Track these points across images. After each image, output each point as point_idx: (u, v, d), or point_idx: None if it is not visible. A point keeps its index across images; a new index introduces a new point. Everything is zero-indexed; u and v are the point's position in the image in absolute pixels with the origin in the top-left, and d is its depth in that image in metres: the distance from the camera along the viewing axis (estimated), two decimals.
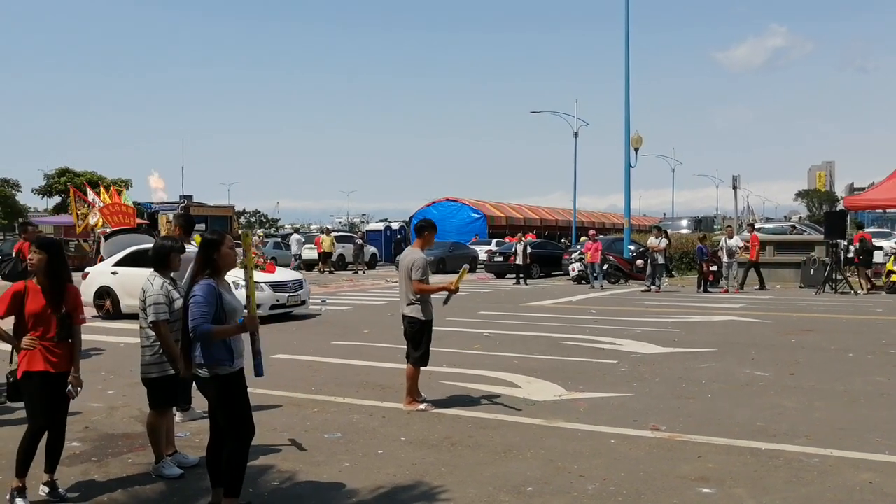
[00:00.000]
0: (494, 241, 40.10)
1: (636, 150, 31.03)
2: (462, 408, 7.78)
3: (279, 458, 6.17)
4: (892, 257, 21.85)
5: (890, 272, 21.47)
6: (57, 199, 52.30)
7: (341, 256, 36.35)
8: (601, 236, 29.05)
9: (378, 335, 13.12)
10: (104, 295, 16.02)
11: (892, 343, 11.79)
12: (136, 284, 14.66)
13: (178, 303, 5.66)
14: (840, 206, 49.29)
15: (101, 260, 17.94)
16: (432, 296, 7.83)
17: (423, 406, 7.72)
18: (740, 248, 22.63)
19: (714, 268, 22.74)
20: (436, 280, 8.63)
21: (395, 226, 44.82)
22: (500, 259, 30.64)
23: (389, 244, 42.26)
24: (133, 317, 14.17)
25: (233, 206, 59.63)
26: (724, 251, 22.36)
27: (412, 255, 7.80)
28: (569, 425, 7.06)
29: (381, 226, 47.08)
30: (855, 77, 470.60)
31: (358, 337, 13.09)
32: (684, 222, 48.64)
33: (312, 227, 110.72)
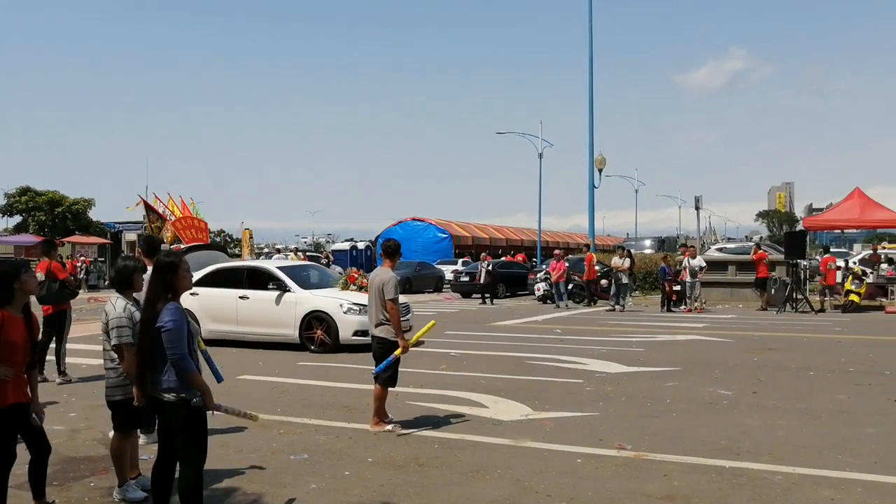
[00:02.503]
0: (461, 260, 40.20)
1: (600, 171, 31.38)
2: (429, 428, 7.77)
3: (245, 479, 6.12)
4: (850, 277, 22.25)
5: (848, 291, 21.87)
6: (18, 219, 51.44)
7: None
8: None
9: (345, 356, 13.07)
10: None
11: (852, 361, 12.00)
12: (220, 307, 14.44)
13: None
14: (800, 227, 50.15)
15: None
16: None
17: (389, 427, 7.70)
18: (703, 267, 22.92)
19: (677, 287, 23.01)
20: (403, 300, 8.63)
21: (360, 245, 44.72)
22: (466, 279, 30.71)
23: (355, 264, 42.12)
24: (218, 342, 13.99)
25: None
26: (687, 271, 22.62)
27: (383, 274, 7.82)
28: (536, 445, 7.09)
29: (346, 245, 46.95)
30: (812, 100, 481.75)
31: (324, 358, 13.02)
32: (647, 242, 49.05)
33: (278, 246, 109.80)
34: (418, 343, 7.93)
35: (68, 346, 11.05)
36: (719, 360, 12.26)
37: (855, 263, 26.33)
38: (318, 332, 13.68)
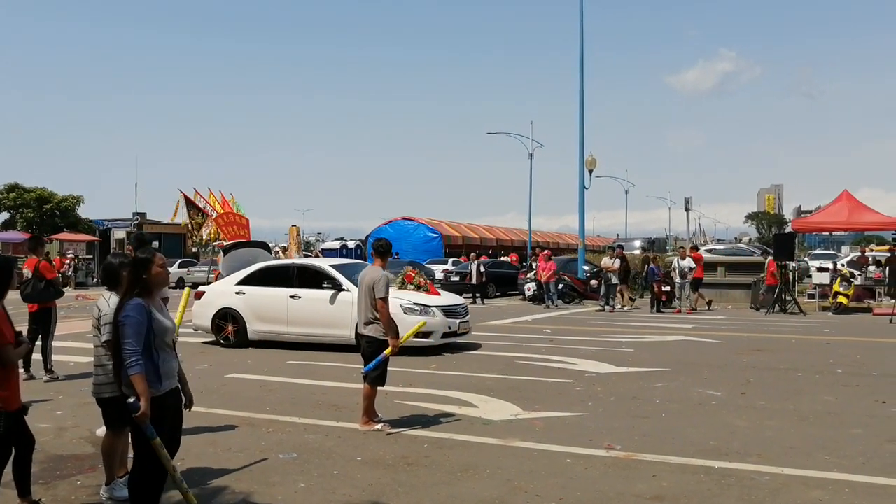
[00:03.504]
0: (451, 260, 40.15)
1: (590, 171, 31.39)
2: (418, 428, 7.76)
3: (233, 478, 6.09)
4: (838, 279, 22.36)
5: (836, 293, 21.97)
6: (6, 216, 51.13)
7: None
8: (556, 257, 29.35)
9: (334, 354, 13.03)
10: (226, 318, 14.21)
11: (839, 363, 12.04)
12: (267, 307, 13.90)
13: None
14: (788, 229, 50.36)
15: (218, 276, 16.25)
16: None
17: (379, 426, 7.68)
18: (693, 268, 22.99)
19: (667, 288, 23.07)
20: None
21: (350, 244, 44.67)
22: (457, 279, 30.70)
23: None
24: (261, 344, 13.74)
25: (187, 224, 59.10)
26: (677, 272, 22.69)
27: (373, 273, 7.81)
28: (525, 444, 7.09)
29: (336, 244, 46.90)
30: (802, 102, 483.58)
31: (313, 356, 12.98)
32: (637, 243, 49.18)
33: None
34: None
35: (55, 343, 10.99)
36: (708, 361, 12.29)
37: (843, 266, 26.45)
38: None
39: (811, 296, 24.25)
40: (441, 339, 13.25)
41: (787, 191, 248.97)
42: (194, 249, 56.58)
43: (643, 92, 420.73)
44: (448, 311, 13.58)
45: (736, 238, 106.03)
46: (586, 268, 28.56)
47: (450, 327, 13.40)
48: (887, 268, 24.65)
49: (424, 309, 13.03)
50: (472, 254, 30.04)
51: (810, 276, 26.37)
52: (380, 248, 8.18)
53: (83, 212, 48.67)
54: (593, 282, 25.90)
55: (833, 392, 9.67)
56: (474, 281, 27.06)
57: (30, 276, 10.36)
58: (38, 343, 10.48)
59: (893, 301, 20.58)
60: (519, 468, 6.33)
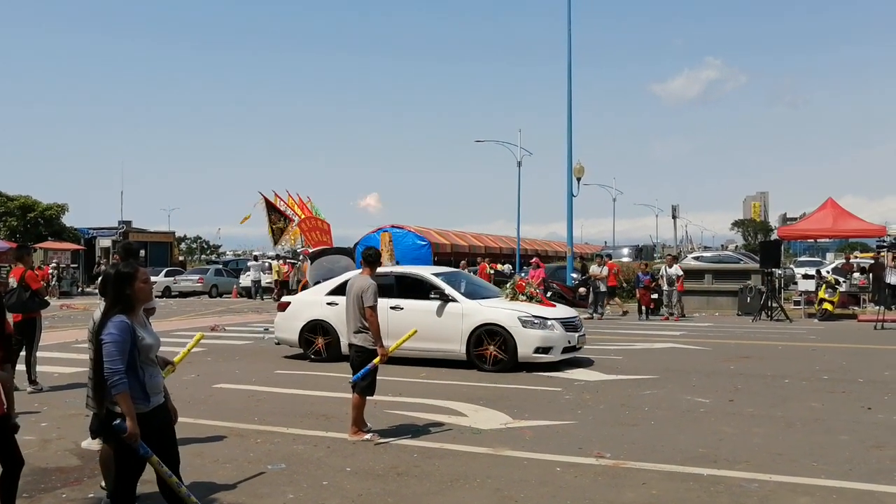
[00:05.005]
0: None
1: (578, 179, 31.46)
2: (408, 437, 7.75)
3: (221, 490, 6.06)
4: (823, 286, 22.49)
5: (822, 300, 22.09)
6: None
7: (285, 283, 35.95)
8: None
9: (322, 364, 13.00)
10: (316, 331, 13.45)
11: (826, 369, 12.10)
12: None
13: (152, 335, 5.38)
14: (774, 236, 50.60)
15: (304, 285, 15.60)
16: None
17: (368, 436, 7.66)
18: (681, 276, 23.07)
19: (655, 296, 23.14)
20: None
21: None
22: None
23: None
24: (416, 363, 12.80)
25: (173, 233, 58.90)
26: (665, 279, 22.76)
27: (362, 281, 7.81)
28: (515, 453, 7.08)
29: None
30: (786, 111, 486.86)
31: (301, 366, 12.95)
32: (625, 251, 49.32)
33: (255, 253, 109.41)
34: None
35: (39, 354, 10.90)
36: (696, 368, 12.32)
37: (828, 273, 26.61)
38: (490, 349, 12.15)
39: (797, 302, 24.37)
40: (561, 355, 12.29)
41: (773, 198, 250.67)
42: (181, 258, 56.41)
43: (630, 100, 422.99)
44: (567, 325, 12.57)
45: (722, 245, 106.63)
46: (575, 275, 28.64)
47: (569, 342, 12.41)
48: (871, 274, 24.83)
49: (544, 322, 12.19)
50: (462, 262, 30.02)
51: (796, 283, 26.49)
52: (368, 256, 8.17)
53: (68, 220, 48.36)
54: (581, 289, 25.94)
55: (820, 398, 9.72)
56: None
57: (15, 285, 10.29)
58: (23, 354, 10.39)
59: (878, 307, 20.71)
60: (509, 477, 6.33)
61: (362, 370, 7.64)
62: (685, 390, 10.34)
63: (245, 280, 36.86)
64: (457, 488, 6.07)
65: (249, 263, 38.15)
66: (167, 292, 37.85)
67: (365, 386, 7.71)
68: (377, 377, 7.89)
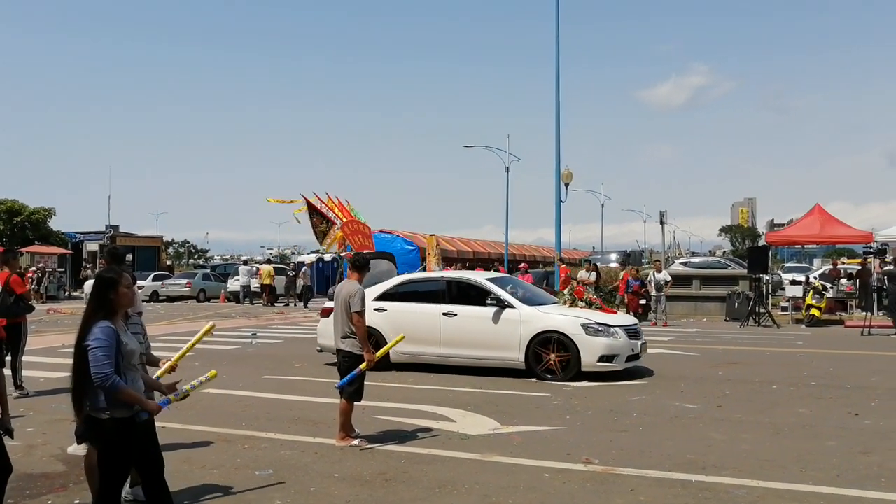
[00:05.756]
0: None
1: (566, 185, 31.56)
2: (396, 443, 7.72)
3: (208, 497, 6.03)
4: (811, 291, 22.59)
5: (809, 306, 22.19)
6: None
7: (272, 288, 35.83)
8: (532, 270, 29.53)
9: (310, 369, 12.97)
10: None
11: (813, 375, 12.15)
12: (415, 325, 12.57)
13: (136, 339, 5.30)
14: (762, 242, 50.82)
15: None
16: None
17: (356, 441, 7.63)
18: (669, 281, 23.13)
19: (643, 301, 23.19)
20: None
21: (327, 258, 44.48)
22: None
23: (322, 276, 41.91)
24: (401, 367, 12.55)
25: (161, 237, 58.64)
26: (653, 285, 22.82)
27: (350, 287, 7.79)
28: (503, 459, 7.07)
29: (313, 257, 46.66)
30: (773, 117, 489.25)
31: (289, 371, 12.91)
32: (613, 256, 49.39)
33: (243, 258, 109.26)
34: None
35: (25, 358, 10.82)
36: (684, 374, 12.34)
37: (816, 279, 26.74)
38: (551, 357, 11.67)
39: (784, 308, 24.49)
40: (625, 364, 11.90)
41: (761, 204, 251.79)
42: (168, 262, 56.19)
43: (618, 106, 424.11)
44: (630, 332, 12.13)
45: (710, 251, 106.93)
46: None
47: (633, 350, 12.00)
48: (858, 280, 24.97)
49: (608, 329, 11.77)
50: (455, 265, 30.03)
51: (783, 289, 26.60)
52: (357, 262, 8.15)
53: (55, 224, 48.05)
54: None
55: (807, 404, 9.75)
56: None
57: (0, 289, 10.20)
58: (8, 359, 10.31)
59: (865, 313, 20.82)
60: (497, 483, 6.32)
61: (349, 375, 7.62)
62: (673, 396, 10.35)
63: (234, 285, 36.73)
64: (445, 494, 6.05)
65: (239, 268, 38.01)
66: (155, 297, 37.65)
67: (352, 391, 7.68)
68: (365, 382, 7.87)
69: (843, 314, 24.11)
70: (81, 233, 47.90)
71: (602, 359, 11.57)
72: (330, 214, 18.08)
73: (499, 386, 11.18)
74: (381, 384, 10.87)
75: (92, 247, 44.61)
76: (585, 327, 11.71)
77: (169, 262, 57.07)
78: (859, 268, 26.29)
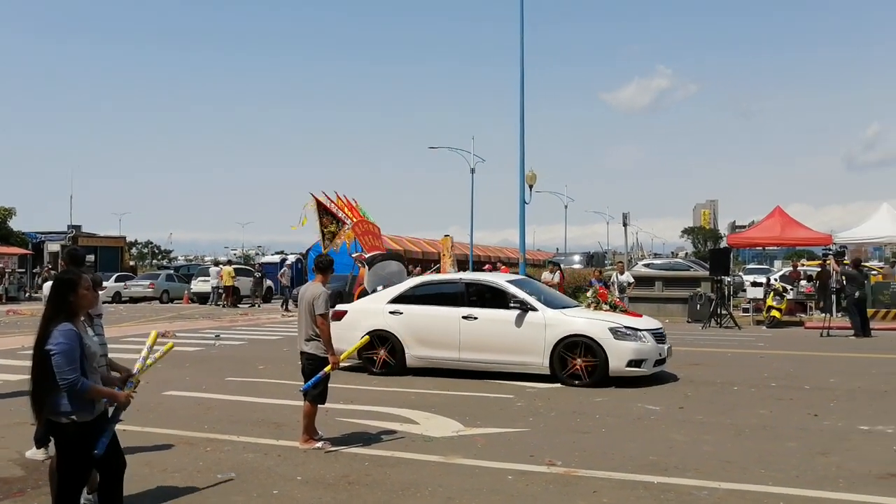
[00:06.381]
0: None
1: (530, 187, 31.66)
2: (359, 445, 7.69)
3: (169, 500, 5.95)
4: (771, 293, 22.90)
5: (770, 307, 22.50)
6: None
7: (236, 290, 35.49)
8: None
9: (274, 371, 12.88)
10: (378, 341, 12.43)
11: (774, 377, 12.31)
12: (433, 329, 12.43)
13: (95, 340, 5.21)
14: (724, 244, 51.45)
15: (361, 292, 14.86)
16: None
17: (319, 444, 7.59)
18: (632, 283, 23.30)
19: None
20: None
21: (291, 258, 44.22)
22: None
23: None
24: (418, 371, 12.34)
25: (124, 237, 57.82)
26: (616, 286, 22.96)
27: (314, 289, 7.74)
28: (467, 461, 7.07)
29: (277, 258, 46.34)
30: (735, 120, 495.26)
31: (253, 373, 12.81)
32: (577, 257, 49.71)
33: (207, 258, 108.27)
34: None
35: None
36: (647, 376, 12.42)
37: (776, 280, 27.12)
38: (577, 362, 11.33)
39: (746, 310, 24.81)
40: (653, 368, 11.62)
41: (722, 206, 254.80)
42: (131, 263, 55.47)
43: (582, 107, 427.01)
44: (657, 336, 11.83)
45: (672, 252, 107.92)
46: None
47: (660, 354, 11.73)
48: (818, 282, 25.37)
49: (636, 333, 11.48)
50: (418, 268, 30.03)
51: (745, 291, 26.96)
52: (320, 263, 8.09)
53: (15, 224, 47.23)
54: None
55: (768, 406, 9.88)
56: None
57: None
58: None
59: (824, 315, 21.16)
60: (460, 486, 6.32)
61: (313, 378, 7.57)
62: (636, 397, 10.43)
63: (203, 286, 36.37)
64: (408, 497, 6.04)
65: (210, 269, 37.60)
66: (117, 298, 37.16)
67: (316, 394, 7.64)
68: (329, 385, 7.83)
69: (802, 315, 24.47)
70: (42, 233, 47.06)
71: (630, 363, 11.28)
72: (340, 214, 17.62)
73: (463, 388, 11.19)
74: (346, 386, 10.82)
75: (53, 247, 43.84)
76: (613, 331, 11.41)
77: (132, 263, 56.28)
78: (819, 269, 26.72)
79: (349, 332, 12.37)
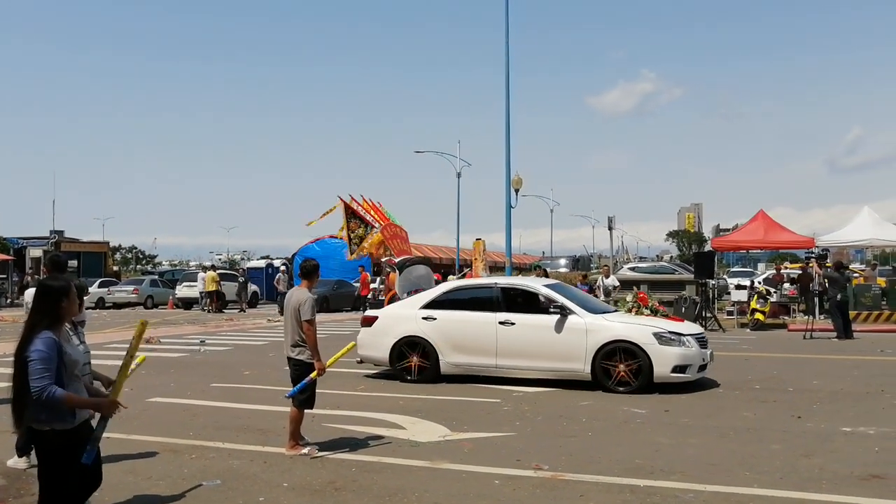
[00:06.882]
0: (378, 278, 40.07)
1: (517, 191, 31.74)
2: (346, 451, 7.68)
3: None
4: (755, 296, 23.04)
5: (754, 310, 22.64)
6: None
7: (221, 294, 35.34)
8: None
9: (259, 377, 12.83)
10: (411, 348, 12.25)
11: (757, 379, 12.37)
12: (469, 335, 12.18)
13: (80, 348, 5.15)
14: (708, 247, 51.61)
15: (391, 297, 14.68)
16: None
17: (306, 450, 7.57)
18: (617, 286, 23.37)
19: None
20: (319, 318, 8.55)
21: (277, 263, 44.10)
22: (384, 297, 30.54)
23: (271, 282, 41.53)
24: (460, 379, 11.98)
25: (107, 242, 57.60)
26: (601, 290, 23.03)
27: (299, 294, 7.73)
28: (454, 466, 7.08)
29: (262, 263, 46.22)
30: (719, 124, 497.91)
31: (238, 379, 12.76)
32: (562, 261, 49.81)
33: (192, 263, 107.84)
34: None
35: None
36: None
37: (760, 283, 27.29)
38: (620, 367, 11.07)
39: (730, 313, 24.94)
40: (697, 374, 11.37)
41: (707, 209, 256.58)
42: (115, 268, 55.13)
43: (567, 111, 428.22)
44: (700, 341, 11.63)
45: (658, 256, 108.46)
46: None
47: (703, 359, 11.48)
48: (798, 284, 25.55)
49: (680, 338, 11.24)
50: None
51: (729, 294, 27.10)
52: (304, 269, 8.05)
53: None
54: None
55: (752, 408, 9.93)
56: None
57: None
58: None
59: (807, 317, 21.31)
60: (447, 491, 6.32)
61: (300, 384, 7.56)
62: (622, 401, 10.46)
63: (188, 291, 36.23)
64: (395, 502, 6.04)
65: (199, 275, 37.43)
66: (101, 303, 36.92)
67: (304, 399, 7.63)
68: (316, 390, 7.82)
69: (786, 318, 24.64)
70: (24, 238, 46.76)
71: (676, 369, 11.05)
72: (368, 217, 17.38)
73: (449, 392, 11.19)
74: (332, 392, 10.80)
75: (35, 252, 43.57)
76: (658, 336, 11.17)
77: (116, 268, 55.93)
78: (799, 272, 26.93)
79: (381, 338, 12.40)
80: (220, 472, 6.95)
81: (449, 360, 12.05)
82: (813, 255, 24.45)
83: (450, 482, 6.58)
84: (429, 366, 12.12)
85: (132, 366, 5.21)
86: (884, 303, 23.84)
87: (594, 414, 9.60)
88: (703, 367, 11.51)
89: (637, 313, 12.49)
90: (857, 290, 24.04)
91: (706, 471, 6.88)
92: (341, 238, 18.25)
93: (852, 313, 21.16)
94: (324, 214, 18.75)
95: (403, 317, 12.56)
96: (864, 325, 21.97)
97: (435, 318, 12.19)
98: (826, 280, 20.84)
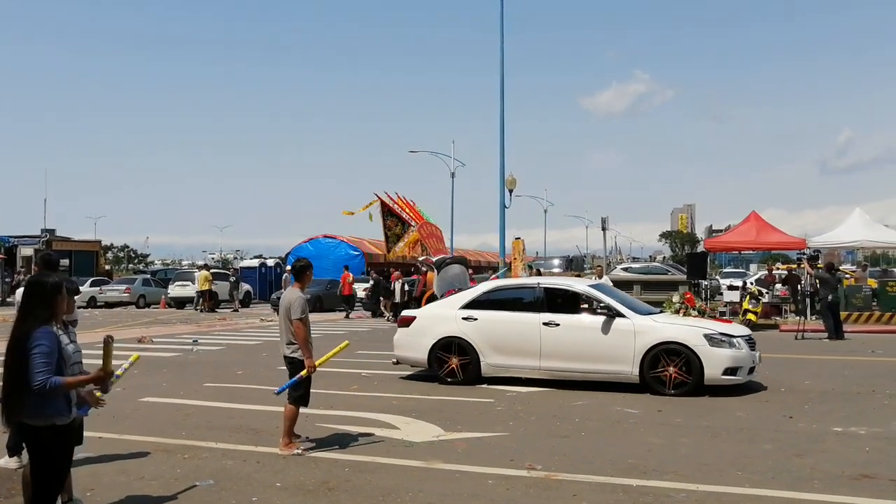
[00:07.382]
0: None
1: (510, 191, 31.76)
2: (340, 451, 7.68)
3: None
4: (748, 296, 23.09)
5: (746, 311, 22.69)
6: None
7: (213, 294, 35.29)
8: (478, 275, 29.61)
9: (252, 376, 12.82)
10: (450, 349, 11.97)
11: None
12: (511, 336, 11.97)
13: (70, 347, 5.17)
14: (701, 248, 51.81)
15: (429, 297, 14.47)
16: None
17: (299, 450, 7.58)
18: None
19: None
20: (313, 318, 8.55)
21: (270, 262, 44.06)
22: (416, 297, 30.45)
23: (264, 282, 41.51)
24: (502, 381, 11.71)
25: (99, 241, 57.39)
26: None
27: (291, 294, 7.75)
28: (447, 466, 7.08)
29: (255, 262, 46.15)
30: (712, 125, 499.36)
31: (231, 378, 12.74)
32: (556, 262, 49.88)
33: (184, 262, 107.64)
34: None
35: None
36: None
37: (752, 284, 27.36)
38: (670, 370, 10.79)
39: (722, 313, 24.93)
40: (747, 376, 11.12)
41: (699, 210, 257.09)
42: (107, 267, 54.97)
43: (561, 112, 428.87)
44: (750, 343, 11.36)
45: (651, 256, 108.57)
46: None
47: (753, 361, 11.22)
48: (787, 285, 25.62)
49: (731, 340, 11.00)
50: (396, 272, 29.98)
51: (722, 294, 27.16)
52: (295, 268, 8.10)
53: None
54: None
55: (744, 408, 9.96)
56: (397, 299, 26.89)
57: None
58: None
59: (798, 318, 21.38)
60: (441, 491, 6.32)
61: (288, 382, 7.59)
62: (615, 401, 10.48)
63: (181, 290, 36.18)
64: (389, 502, 6.04)
65: (195, 274, 37.36)
66: (93, 302, 36.81)
67: (298, 396, 7.66)
68: (310, 389, 7.83)
69: (778, 318, 24.69)
70: (15, 237, 46.58)
71: (727, 371, 10.80)
72: (404, 216, 17.24)
73: (443, 392, 11.20)
74: (326, 391, 10.79)
75: (27, 251, 43.44)
76: (709, 338, 10.91)
77: (108, 267, 55.78)
78: (787, 273, 27.01)
79: (419, 338, 12.20)
80: (213, 472, 6.94)
81: (490, 361, 11.82)
82: (805, 256, 24.52)
83: (443, 482, 6.59)
84: (469, 367, 11.87)
85: (126, 365, 5.23)
86: (874, 304, 23.93)
87: (587, 414, 9.61)
88: (752, 370, 11.28)
89: (685, 314, 12.18)
90: (848, 290, 24.12)
91: (699, 470, 6.90)
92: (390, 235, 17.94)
93: (843, 314, 21.23)
94: (364, 207, 18.77)
95: (443, 317, 12.32)
96: (855, 326, 22.04)
97: (476, 319, 11.94)
98: (817, 281, 20.91)
